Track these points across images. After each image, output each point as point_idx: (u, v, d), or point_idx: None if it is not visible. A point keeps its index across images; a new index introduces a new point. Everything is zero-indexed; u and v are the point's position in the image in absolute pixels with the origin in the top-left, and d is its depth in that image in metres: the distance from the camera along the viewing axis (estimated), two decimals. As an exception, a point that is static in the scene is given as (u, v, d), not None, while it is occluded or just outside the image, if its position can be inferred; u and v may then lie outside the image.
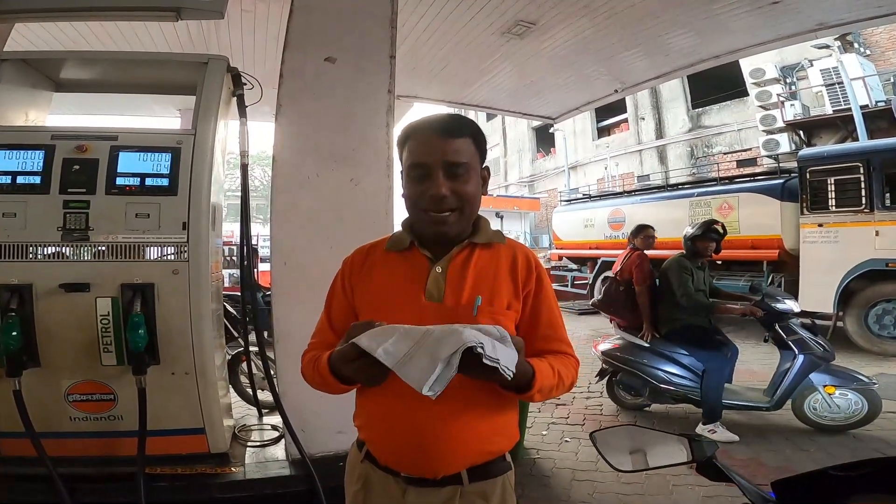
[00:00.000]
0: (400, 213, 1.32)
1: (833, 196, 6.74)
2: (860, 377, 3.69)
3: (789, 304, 3.88)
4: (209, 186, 2.48)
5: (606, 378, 4.50)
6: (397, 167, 1.20)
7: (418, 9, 4.72)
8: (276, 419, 3.13)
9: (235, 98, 2.82)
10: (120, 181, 2.37)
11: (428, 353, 0.85)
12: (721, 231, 4.15)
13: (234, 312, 4.23)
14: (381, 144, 2.88)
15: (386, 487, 1.10)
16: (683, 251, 4.20)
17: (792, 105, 12.55)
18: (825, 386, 3.66)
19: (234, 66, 2.79)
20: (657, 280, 4.34)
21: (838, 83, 11.57)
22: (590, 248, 11.06)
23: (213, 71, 2.63)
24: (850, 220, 6.55)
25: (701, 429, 3.79)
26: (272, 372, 2.94)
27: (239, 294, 3.90)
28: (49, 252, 2.34)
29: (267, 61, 5.31)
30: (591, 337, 8.27)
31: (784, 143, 12.56)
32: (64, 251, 2.34)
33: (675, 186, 10.05)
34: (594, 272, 10.64)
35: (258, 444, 2.99)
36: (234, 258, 9.03)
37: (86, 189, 2.34)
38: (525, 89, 7.03)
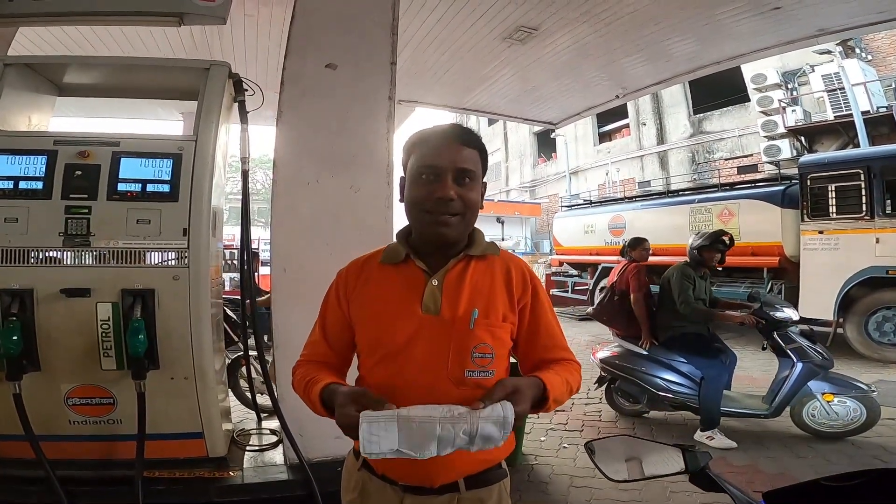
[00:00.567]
0: (399, 220, 1.33)
1: (834, 203, 6.74)
2: (859, 385, 3.69)
3: (788, 313, 3.88)
4: (210, 193, 2.50)
5: (605, 385, 4.50)
6: (397, 174, 1.21)
7: (420, 14, 4.74)
8: (274, 424, 3.14)
9: (237, 104, 2.83)
10: (121, 187, 2.39)
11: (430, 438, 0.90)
12: (728, 242, 4.15)
13: (234, 317, 4.24)
14: (381, 151, 2.89)
15: (383, 496, 1.11)
16: (687, 259, 4.20)
17: (793, 111, 12.54)
18: (824, 393, 3.66)
19: (235, 71, 2.80)
20: (657, 288, 4.34)
21: (840, 89, 11.55)
22: (590, 254, 11.07)
23: (214, 77, 2.65)
24: (851, 227, 6.55)
25: (699, 435, 3.79)
26: (271, 376, 2.95)
27: (239, 298, 3.91)
28: (50, 257, 2.36)
29: (269, 65, 5.35)
30: (590, 343, 8.27)
31: (785, 148, 12.53)
32: (65, 256, 2.36)
33: (676, 193, 10.05)
34: (594, 278, 10.64)
35: (257, 448, 2.99)
36: (235, 262, 9.04)
37: (87, 195, 2.36)
38: (526, 94, 7.06)
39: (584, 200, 13.33)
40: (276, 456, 2.90)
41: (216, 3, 2.93)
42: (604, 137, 20.55)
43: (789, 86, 13.25)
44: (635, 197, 11.57)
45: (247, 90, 2.84)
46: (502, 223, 18.18)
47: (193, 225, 2.44)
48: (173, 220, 2.42)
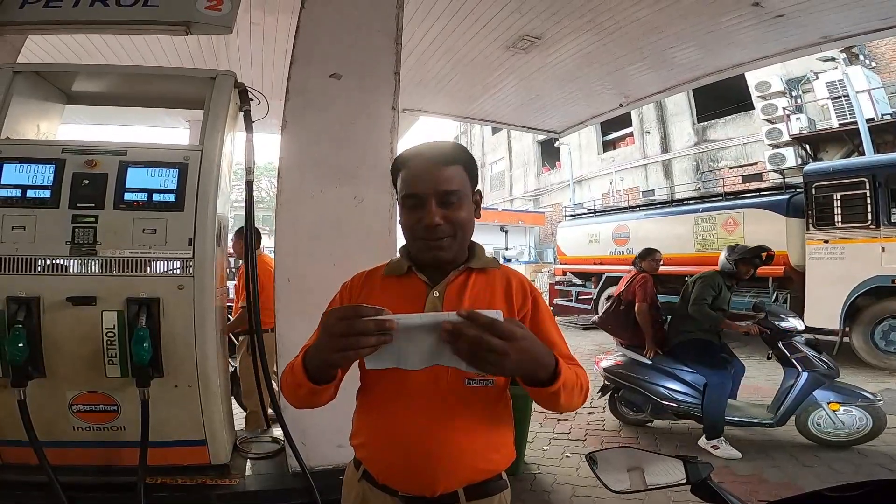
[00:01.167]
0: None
1: (839, 212, 6.71)
2: (865, 394, 3.66)
3: (793, 322, 3.87)
4: (215, 202, 2.52)
5: (608, 394, 4.49)
6: None
7: (423, 23, 4.79)
8: (277, 432, 3.14)
9: (242, 113, 2.86)
10: (128, 196, 2.42)
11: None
12: (764, 258, 4.18)
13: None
14: (384, 162, 2.91)
15: None
16: (718, 269, 4.18)
17: (798, 118, 12.52)
18: (829, 403, 3.64)
19: (241, 81, 2.84)
20: (665, 298, 4.33)
21: (844, 96, 11.54)
22: (594, 264, 11.03)
23: (220, 86, 2.68)
24: (856, 236, 6.51)
25: (703, 444, 3.78)
26: (274, 385, 2.96)
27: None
28: (57, 265, 2.38)
29: (274, 74, 5.41)
30: (594, 352, 8.24)
31: (790, 156, 12.51)
32: (71, 265, 2.38)
33: (681, 202, 10.03)
34: (598, 287, 10.61)
35: (259, 456, 2.99)
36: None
37: (94, 204, 2.39)
38: (530, 103, 7.09)
39: (588, 209, 13.31)
40: (279, 464, 2.90)
41: (222, 12, 2.99)
42: (608, 146, 20.58)
43: (793, 93, 13.26)
44: (639, 206, 11.56)
45: (252, 100, 2.87)
46: (506, 232, 18.23)
47: (198, 235, 2.46)
48: (179, 229, 2.44)
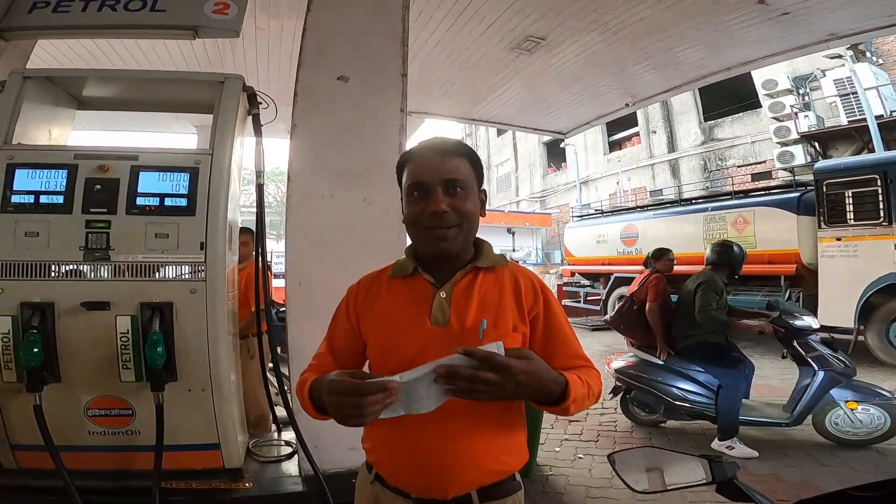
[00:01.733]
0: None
1: (851, 209, 6.66)
2: (882, 392, 3.62)
3: (807, 321, 3.82)
4: (226, 206, 2.53)
5: (620, 395, 4.46)
6: None
7: (428, 26, 4.80)
8: (290, 435, 3.14)
9: (251, 117, 2.88)
10: (140, 201, 2.43)
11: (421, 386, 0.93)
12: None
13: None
14: (392, 164, 2.87)
15: None
16: (713, 269, 4.12)
17: (806, 116, 12.42)
18: (847, 401, 3.60)
19: (249, 84, 2.84)
20: (676, 295, 4.29)
21: (852, 93, 11.46)
22: (602, 264, 10.99)
23: (229, 90, 2.69)
24: (869, 233, 6.45)
25: (717, 445, 3.74)
26: (286, 388, 2.96)
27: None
28: (71, 271, 2.39)
29: (280, 78, 5.43)
30: (604, 353, 8.19)
31: (799, 154, 12.41)
32: (85, 270, 2.40)
33: (689, 201, 9.98)
34: (607, 288, 10.56)
35: (272, 459, 3.00)
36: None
37: (107, 209, 2.40)
38: (535, 104, 7.09)
39: (596, 210, 13.27)
40: (291, 467, 2.90)
41: (229, 16, 3.01)
42: (614, 146, 20.52)
43: (801, 91, 13.16)
44: (647, 206, 11.50)
45: (261, 103, 2.88)
46: (513, 234, 18.20)
47: (210, 239, 2.46)
48: (190, 234, 2.45)
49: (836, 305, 6.59)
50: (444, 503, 1.06)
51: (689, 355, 4.04)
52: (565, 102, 7.02)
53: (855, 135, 11.56)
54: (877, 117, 10.55)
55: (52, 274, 2.37)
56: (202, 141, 5.36)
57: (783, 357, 3.98)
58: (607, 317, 4.89)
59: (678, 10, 4.67)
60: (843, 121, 11.82)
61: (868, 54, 12.09)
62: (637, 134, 18.98)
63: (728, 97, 14.46)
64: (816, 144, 12.46)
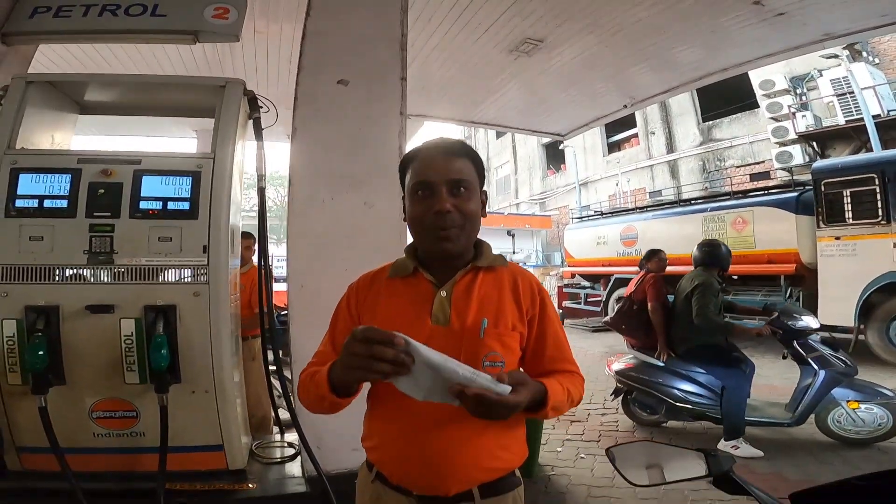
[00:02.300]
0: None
1: (849, 208, 6.68)
2: (884, 391, 3.63)
3: (807, 321, 3.81)
4: (228, 210, 2.55)
5: (621, 396, 4.47)
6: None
7: (426, 29, 4.82)
8: (293, 436, 3.16)
9: (252, 121, 2.90)
10: (143, 205, 2.45)
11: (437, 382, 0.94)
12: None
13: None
14: (393, 167, 2.89)
15: None
16: (704, 269, 4.08)
17: (803, 116, 12.46)
18: (848, 401, 3.60)
19: (250, 88, 2.86)
20: (672, 298, 4.30)
21: (849, 93, 11.50)
22: (602, 266, 11.01)
23: (230, 94, 2.71)
24: (868, 232, 6.47)
25: (723, 445, 3.74)
26: (289, 389, 2.98)
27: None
28: (75, 274, 2.41)
29: (280, 81, 5.46)
30: (604, 354, 8.19)
31: (797, 154, 12.45)
32: (89, 274, 2.42)
33: (688, 202, 10.00)
34: (607, 289, 10.57)
35: (275, 460, 3.01)
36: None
37: (110, 213, 2.42)
38: (534, 106, 7.11)
39: (595, 212, 13.29)
40: (295, 468, 2.91)
41: (229, 21, 3.04)
42: (613, 148, 20.54)
43: (798, 91, 13.20)
44: (647, 207, 11.52)
45: (261, 107, 2.90)
46: (513, 236, 18.24)
47: (213, 242, 2.48)
48: (193, 237, 2.47)
49: (836, 304, 6.61)
50: (446, 500, 1.08)
51: (689, 357, 4.04)
52: (564, 104, 7.05)
53: (853, 134, 11.60)
54: (874, 117, 10.59)
55: (57, 277, 2.38)
56: (202, 145, 5.36)
57: (784, 358, 3.99)
58: (608, 318, 4.90)
59: (675, 11, 4.70)
60: (841, 120, 11.85)
61: (864, 54, 12.14)
62: (636, 135, 19.01)
63: (726, 98, 14.50)
64: (814, 144, 12.50)
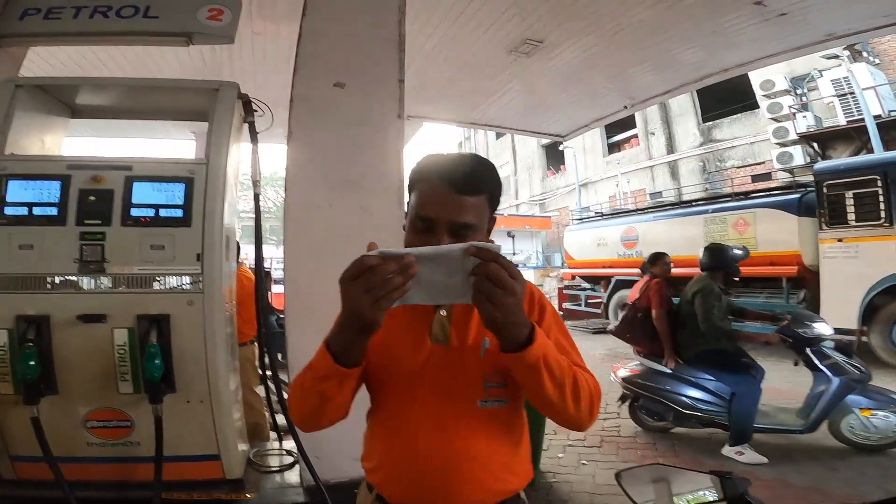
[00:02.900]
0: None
1: (852, 210, 6.64)
2: None
3: (819, 328, 3.71)
4: (222, 216, 2.50)
5: (628, 402, 4.41)
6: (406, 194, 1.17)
7: (425, 29, 4.78)
8: (292, 444, 3.11)
9: (247, 124, 2.85)
10: (135, 212, 2.40)
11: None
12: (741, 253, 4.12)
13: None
14: (391, 171, 2.89)
15: None
16: (708, 275, 4.04)
17: (804, 116, 12.44)
18: (861, 409, 3.52)
19: (245, 91, 2.82)
20: (677, 304, 4.23)
21: (850, 93, 11.48)
22: (603, 267, 10.97)
23: (224, 98, 2.66)
24: (870, 234, 6.44)
25: (727, 451, 3.68)
26: (286, 396, 2.93)
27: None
28: (66, 283, 2.37)
29: (277, 83, 5.38)
30: (605, 357, 8.16)
31: (798, 155, 12.42)
32: (80, 282, 2.37)
33: (689, 203, 9.96)
34: (608, 291, 10.55)
35: (273, 469, 2.97)
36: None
37: (101, 220, 2.37)
38: (534, 107, 7.08)
39: (596, 213, 13.26)
40: (293, 477, 2.87)
41: (223, 22, 3.00)
42: (613, 148, 20.53)
43: (798, 92, 13.17)
44: (647, 208, 11.49)
45: (256, 111, 2.86)
46: (513, 237, 18.17)
47: (207, 250, 2.44)
48: (186, 245, 2.42)
49: (839, 307, 6.55)
50: None
51: (697, 363, 3.96)
52: (564, 105, 7.02)
53: (853, 135, 11.57)
54: (875, 117, 10.56)
55: (48, 286, 2.34)
56: (201, 147, 5.31)
57: (795, 364, 3.86)
58: (611, 327, 4.83)
59: (675, 11, 4.66)
60: (842, 121, 11.83)
61: (865, 54, 12.12)
62: (636, 136, 19.00)
63: (726, 98, 14.48)
64: (815, 145, 12.47)
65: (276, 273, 8.59)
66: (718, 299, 3.86)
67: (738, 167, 15.22)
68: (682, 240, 8.69)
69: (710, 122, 16.26)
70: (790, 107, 12.67)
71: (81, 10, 3.02)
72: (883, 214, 6.35)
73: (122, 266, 2.38)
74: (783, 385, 5.36)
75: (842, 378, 3.55)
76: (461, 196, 0.99)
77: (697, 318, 3.83)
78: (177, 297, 2.41)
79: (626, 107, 7.13)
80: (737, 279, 4.18)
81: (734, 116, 15.50)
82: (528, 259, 18.96)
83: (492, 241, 0.90)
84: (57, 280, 2.35)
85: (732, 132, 15.61)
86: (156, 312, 2.37)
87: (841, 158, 10.03)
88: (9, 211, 2.35)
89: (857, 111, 11.10)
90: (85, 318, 2.32)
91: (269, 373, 3.46)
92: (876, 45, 12.35)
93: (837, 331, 5.96)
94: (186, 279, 2.42)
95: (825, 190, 6.87)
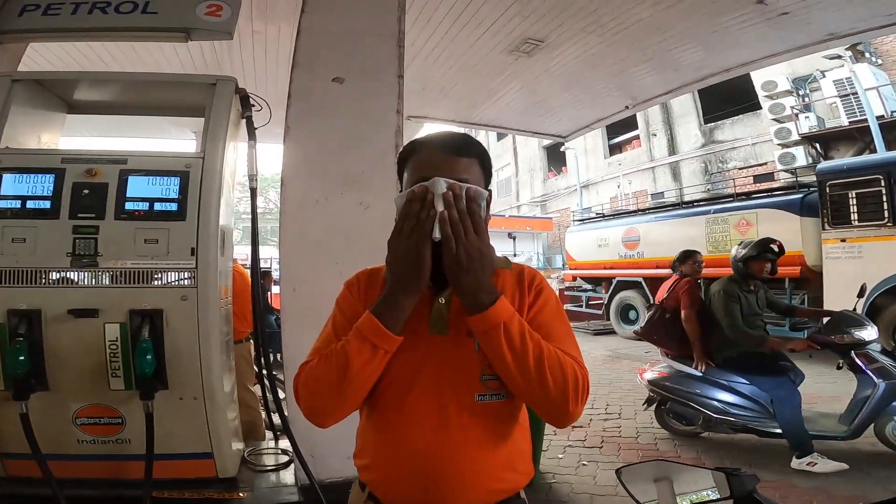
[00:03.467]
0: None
1: (854, 210, 6.60)
2: None
3: (864, 333, 3.51)
4: (218, 211, 2.47)
5: (654, 406, 4.25)
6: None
7: (426, 29, 4.77)
8: (287, 443, 3.08)
9: (245, 120, 2.83)
10: (129, 206, 2.38)
11: None
12: (777, 250, 3.82)
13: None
14: (389, 166, 2.85)
15: None
16: (732, 274, 3.88)
17: (806, 117, 12.38)
18: None
19: (243, 87, 2.80)
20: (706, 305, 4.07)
21: (852, 94, 11.43)
22: (604, 268, 10.93)
23: (221, 92, 2.64)
24: (874, 234, 6.39)
25: (797, 464, 3.38)
26: (281, 395, 2.90)
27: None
28: (58, 277, 2.34)
29: (278, 83, 5.39)
30: (607, 357, 8.14)
31: (800, 156, 12.37)
32: (73, 277, 2.34)
33: (691, 203, 9.92)
34: (609, 292, 10.51)
35: (268, 468, 2.94)
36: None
37: (95, 214, 2.35)
38: (535, 107, 7.06)
39: (597, 214, 13.22)
40: (287, 476, 2.84)
41: (222, 18, 2.97)
42: (614, 149, 20.49)
43: (801, 92, 13.13)
44: (649, 209, 11.44)
45: (254, 105, 2.83)
46: (514, 239, 18.16)
47: (201, 244, 2.41)
48: (181, 239, 2.39)
49: (842, 307, 6.48)
50: None
51: (730, 366, 3.76)
52: (565, 105, 7.00)
53: (856, 135, 11.52)
54: (878, 117, 10.51)
55: (40, 281, 2.31)
56: (200, 147, 5.30)
57: (838, 368, 3.64)
58: (637, 328, 4.65)
59: (677, 11, 4.64)
60: (844, 121, 11.77)
61: (867, 55, 12.07)
62: (637, 137, 18.96)
63: (728, 99, 14.45)
64: (818, 145, 12.42)
65: (277, 273, 8.55)
66: (737, 300, 3.69)
67: (740, 168, 15.17)
68: (685, 240, 8.62)
69: (712, 123, 16.21)
70: (792, 107, 12.63)
71: (80, 7, 3.00)
72: (886, 214, 6.31)
73: (115, 260, 2.34)
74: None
75: (889, 382, 3.35)
76: (454, 157, 1.02)
77: (723, 320, 3.66)
78: (170, 292, 2.38)
79: (627, 107, 7.10)
80: (760, 278, 3.86)
81: (736, 117, 15.45)
82: (529, 260, 18.92)
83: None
84: (49, 274, 2.33)
85: (734, 133, 15.57)
86: (149, 307, 2.34)
87: (844, 158, 9.97)
88: (2, 204, 2.33)
89: (860, 112, 11.04)
90: (77, 312, 2.29)
91: (264, 371, 3.44)
92: (878, 45, 12.30)
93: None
94: (180, 274, 2.39)
95: (828, 190, 6.83)
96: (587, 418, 4.75)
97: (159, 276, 2.39)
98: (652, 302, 4.84)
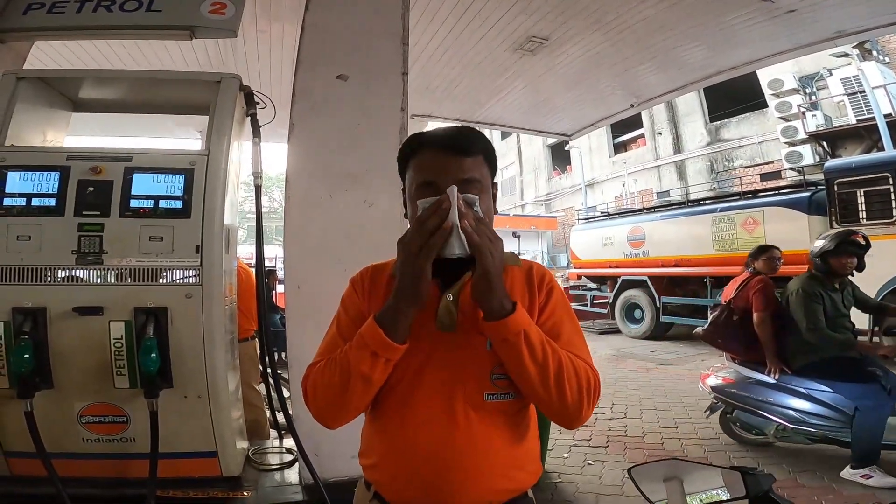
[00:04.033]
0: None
1: (863, 208, 6.56)
2: None
3: None
4: (222, 209, 2.46)
5: (719, 413, 3.97)
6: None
7: (430, 27, 4.76)
8: (291, 442, 3.07)
9: (249, 117, 2.82)
10: (134, 203, 2.37)
11: None
12: (863, 243, 3.43)
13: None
14: (394, 165, 2.81)
15: None
16: (812, 270, 3.54)
17: (813, 115, 12.31)
18: None
19: (247, 85, 2.79)
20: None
21: (860, 92, 11.35)
22: (609, 267, 10.88)
23: (225, 90, 2.63)
24: (882, 232, 6.32)
25: (850, 474, 3.13)
26: (286, 394, 2.90)
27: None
28: (63, 275, 2.34)
29: (283, 82, 5.40)
30: (612, 356, 8.10)
31: (807, 154, 12.29)
32: (78, 274, 2.34)
33: (697, 202, 9.86)
34: (614, 291, 10.46)
35: (272, 467, 2.93)
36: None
37: (100, 211, 2.34)
38: (539, 106, 7.04)
39: (602, 213, 13.16)
40: (292, 476, 2.83)
41: (226, 16, 2.98)
42: (619, 148, 20.41)
43: (807, 90, 13.05)
44: (654, 207, 11.39)
45: (258, 103, 2.83)
46: (518, 238, 18.10)
47: (206, 242, 2.40)
48: (186, 236, 2.39)
49: (850, 307, 6.45)
50: None
51: (809, 372, 3.42)
52: (569, 104, 6.97)
53: (864, 133, 11.44)
54: (885, 116, 10.43)
55: (45, 278, 2.31)
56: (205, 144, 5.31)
57: None
58: (699, 330, 4.25)
59: (682, 8, 4.61)
60: (852, 120, 11.70)
61: (875, 52, 11.98)
62: (642, 135, 18.89)
63: (734, 97, 14.37)
64: (825, 144, 12.34)
65: (282, 272, 8.56)
66: (820, 300, 3.37)
67: (746, 167, 15.08)
68: (691, 239, 8.62)
69: (718, 122, 16.12)
70: (799, 106, 12.55)
71: (84, 5, 3.02)
72: (894, 213, 6.27)
73: (120, 258, 2.34)
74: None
75: None
76: (459, 157, 1.00)
77: (801, 322, 3.36)
78: (175, 290, 2.37)
79: (632, 105, 7.08)
80: (845, 276, 3.52)
81: (742, 116, 15.36)
82: (533, 259, 18.87)
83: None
84: (54, 272, 2.32)
85: (740, 132, 15.47)
86: (153, 305, 2.33)
87: (851, 157, 9.90)
88: (7, 202, 2.32)
89: (868, 110, 10.98)
90: (81, 310, 2.29)
91: (269, 370, 3.44)
92: (886, 43, 12.20)
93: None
94: (185, 272, 2.39)
95: (836, 188, 6.79)
96: (592, 417, 4.71)
97: (164, 273, 2.38)
98: (718, 302, 4.44)
